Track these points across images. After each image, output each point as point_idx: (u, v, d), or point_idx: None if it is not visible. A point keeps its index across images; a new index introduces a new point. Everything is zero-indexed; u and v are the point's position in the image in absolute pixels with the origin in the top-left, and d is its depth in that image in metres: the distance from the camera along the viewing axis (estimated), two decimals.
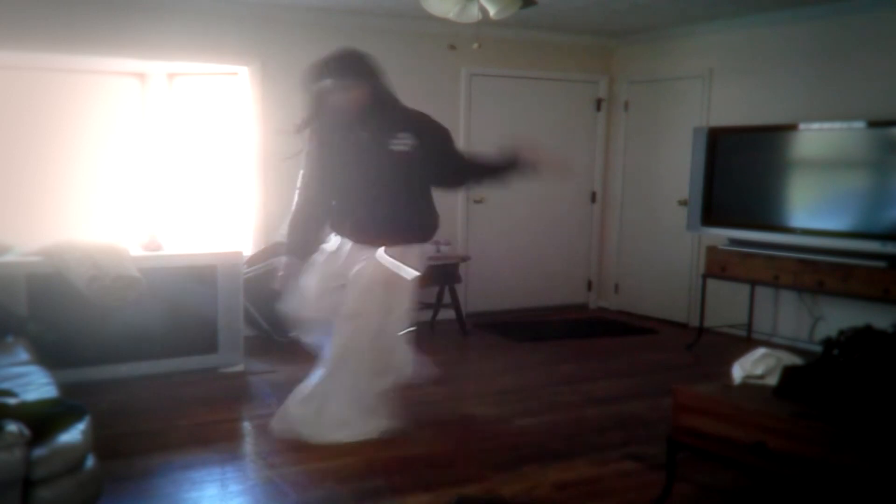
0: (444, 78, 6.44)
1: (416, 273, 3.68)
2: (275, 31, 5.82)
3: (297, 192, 3.78)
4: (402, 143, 3.57)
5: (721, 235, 5.77)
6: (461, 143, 6.57)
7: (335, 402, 3.66)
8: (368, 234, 3.66)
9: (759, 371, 3.11)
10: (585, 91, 7.08)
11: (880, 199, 4.95)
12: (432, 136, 3.66)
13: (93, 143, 5.66)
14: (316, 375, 3.72)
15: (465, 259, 6.22)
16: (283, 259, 3.79)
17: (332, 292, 3.69)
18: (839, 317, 5.26)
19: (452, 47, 4.65)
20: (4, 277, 4.23)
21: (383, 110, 3.61)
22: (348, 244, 3.71)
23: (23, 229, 4.99)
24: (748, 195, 5.58)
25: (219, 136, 5.96)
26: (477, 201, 6.72)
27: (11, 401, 2.55)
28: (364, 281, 3.62)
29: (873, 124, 4.95)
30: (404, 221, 3.67)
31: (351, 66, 3.57)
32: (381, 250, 3.62)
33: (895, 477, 2.41)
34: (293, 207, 3.80)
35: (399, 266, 3.63)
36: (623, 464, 3.53)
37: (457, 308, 6.04)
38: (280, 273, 3.76)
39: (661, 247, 6.75)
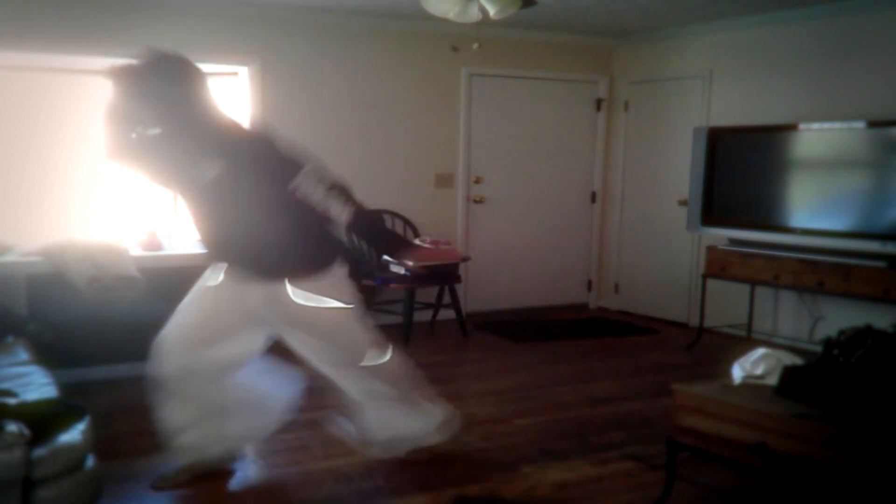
0: (444, 78, 6.44)
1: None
2: (275, 31, 5.82)
3: None
4: (208, 169, 2.94)
5: (721, 235, 5.77)
6: (461, 143, 6.59)
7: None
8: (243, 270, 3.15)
9: (759, 371, 3.11)
10: (585, 91, 7.07)
11: (880, 199, 4.95)
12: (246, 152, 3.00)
13: (93, 144, 5.64)
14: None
15: (465, 259, 6.22)
16: None
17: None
18: (839, 317, 5.26)
19: (455, 48, 4.53)
20: (4, 277, 4.23)
21: (194, 131, 2.99)
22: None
23: (23, 229, 4.99)
24: (748, 195, 5.58)
25: None
26: (477, 201, 6.72)
27: (11, 401, 2.55)
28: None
29: (873, 124, 4.95)
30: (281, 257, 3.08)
31: (151, 85, 2.95)
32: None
33: (895, 477, 2.41)
34: None
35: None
36: (623, 464, 3.53)
37: (457, 308, 6.04)
38: None
39: (661, 247, 6.75)
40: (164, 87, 2.94)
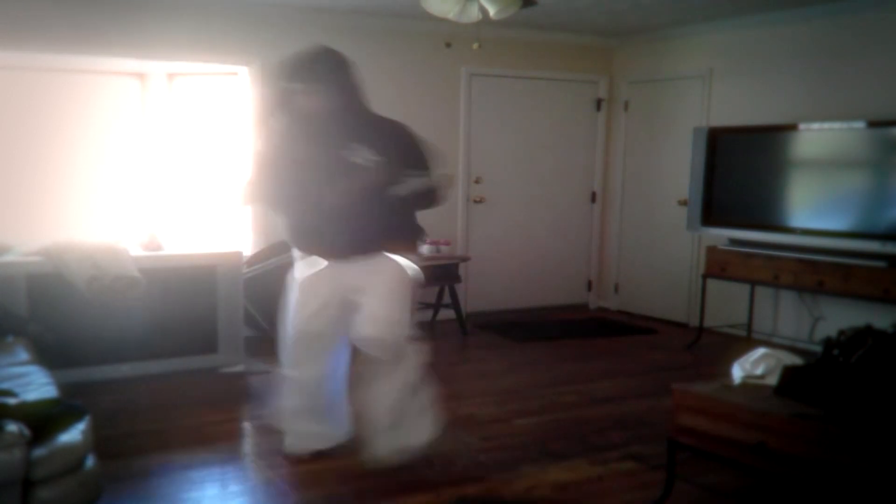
0: (444, 78, 6.44)
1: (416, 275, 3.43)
2: (275, 31, 5.81)
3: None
4: (365, 158, 3.19)
5: (721, 235, 5.77)
6: (461, 143, 6.59)
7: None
8: (347, 248, 3.34)
9: (759, 371, 3.11)
10: (585, 91, 7.08)
11: (880, 199, 4.95)
12: (404, 152, 3.28)
13: (93, 144, 5.65)
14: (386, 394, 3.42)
15: (465, 259, 6.21)
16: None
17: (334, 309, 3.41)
18: (839, 317, 5.26)
19: (448, 44, 4.53)
20: (4, 277, 4.22)
21: (351, 119, 3.28)
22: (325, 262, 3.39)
23: (23, 229, 4.99)
24: (748, 195, 5.58)
25: (219, 136, 5.96)
26: (477, 201, 6.72)
27: (11, 401, 2.54)
28: (386, 288, 3.35)
29: (873, 124, 4.95)
30: (381, 233, 3.34)
31: (324, 68, 3.23)
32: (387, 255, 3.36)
33: (895, 477, 2.41)
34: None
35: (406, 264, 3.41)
36: (623, 464, 3.53)
37: (457, 308, 6.04)
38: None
39: (661, 247, 6.75)
40: (331, 72, 3.23)
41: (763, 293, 5.89)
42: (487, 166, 6.73)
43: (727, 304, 6.01)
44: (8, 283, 4.22)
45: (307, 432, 3.53)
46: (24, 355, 3.36)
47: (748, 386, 3.07)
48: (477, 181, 6.70)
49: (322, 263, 3.38)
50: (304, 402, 3.48)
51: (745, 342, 5.57)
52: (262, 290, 5.48)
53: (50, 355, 3.50)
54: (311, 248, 3.41)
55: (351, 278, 3.34)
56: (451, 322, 6.15)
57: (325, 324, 3.40)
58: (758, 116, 5.80)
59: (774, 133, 5.48)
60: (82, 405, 2.71)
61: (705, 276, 5.78)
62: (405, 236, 3.45)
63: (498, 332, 6.18)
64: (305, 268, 3.43)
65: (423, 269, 5.61)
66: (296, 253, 3.50)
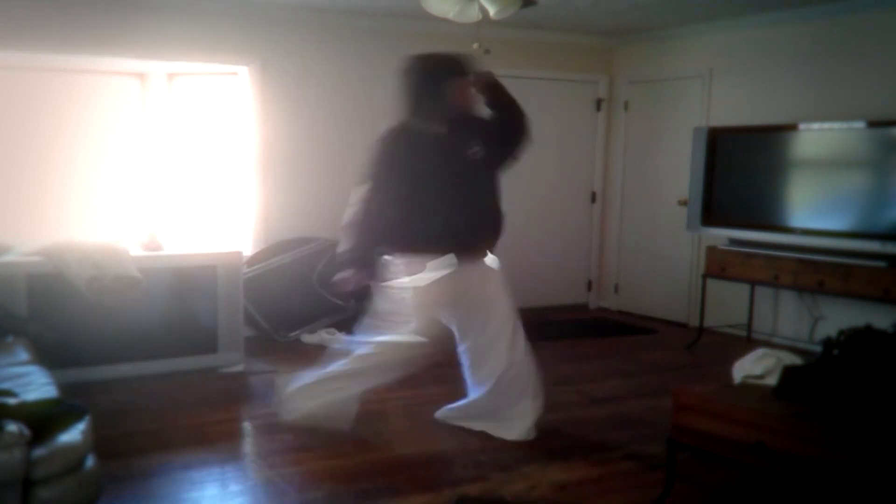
0: None
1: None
2: (275, 31, 5.82)
3: (357, 200, 3.58)
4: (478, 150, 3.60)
5: (721, 235, 5.77)
6: None
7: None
8: (480, 243, 3.75)
9: (759, 371, 3.11)
10: (585, 91, 7.08)
11: (880, 199, 4.95)
12: (487, 129, 3.66)
13: (93, 143, 5.66)
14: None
15: None
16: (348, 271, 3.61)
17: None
18: (839, 317, 5.26)
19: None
20: (4, 277, 4.23)
21: (465, 118, 3.64)
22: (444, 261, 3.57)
23: (23, 229, 4.99)
24: (748, 195, 5.58)
25: (219, 136, 5.97)
26: None
27: (11, 401, 2.55)
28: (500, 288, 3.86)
29: (873, 124, 4.95)
30: (500, 224, 3.82)
31: (469, 65, 3.59)
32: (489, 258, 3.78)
33: (894, 476, 2.41)
34: (353, 218, 3.59)
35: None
36: (623, 464, 3.53)
37: None
38: (348, 283, 3.59)
39: (661, 247, 6.75)
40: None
41: (763, 293, 5.89)
42: None
43: (727, 304, 6.01)
44: (8, 283, 4.22)
45: (323, 402, 3.64)
46: (24, 355, 3.36)
47: (748, 386, 3.07)
48: None
49: (447, 266, 3.57)
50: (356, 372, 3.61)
51: (745, 342, 5.58)
52: (262, 290, 5.49)
53: (50, 355, 3.51)
54: (457, 249, 3.58)
55: (480, 276, 3.74)
56: None
57: (442, 328, 3.69)
58: (758, 116, 5.80)
59: (774, 133, 5.48)
60: (82, 405, 2.71)
61: (705, 276, 5.78)
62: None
63: None
64: (432, 273, 3.56)
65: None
66: (400, 259, 3.58)
